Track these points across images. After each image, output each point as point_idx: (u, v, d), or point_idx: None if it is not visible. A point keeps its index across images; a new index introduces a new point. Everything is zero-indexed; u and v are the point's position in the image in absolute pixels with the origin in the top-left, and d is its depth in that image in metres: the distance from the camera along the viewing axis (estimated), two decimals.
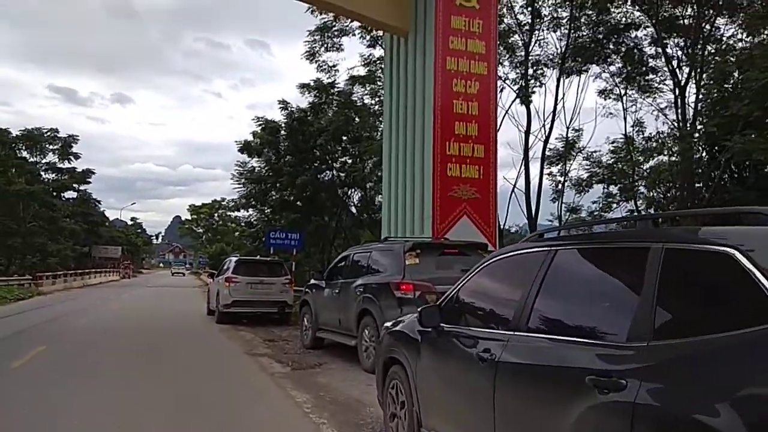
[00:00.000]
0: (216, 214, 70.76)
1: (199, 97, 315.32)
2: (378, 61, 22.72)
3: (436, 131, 12.43)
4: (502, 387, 3.19)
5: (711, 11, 18.52)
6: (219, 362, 9.76)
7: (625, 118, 20.78)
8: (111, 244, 59.34)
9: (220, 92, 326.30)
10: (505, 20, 20.41)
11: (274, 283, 15.42)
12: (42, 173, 42.45)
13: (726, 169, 17.66)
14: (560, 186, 22.42)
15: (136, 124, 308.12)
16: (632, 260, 2.78)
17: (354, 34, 22.96)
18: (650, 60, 20.41)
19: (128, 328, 14.28)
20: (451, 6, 12.70)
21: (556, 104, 21.57)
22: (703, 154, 18.63)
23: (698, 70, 18.72)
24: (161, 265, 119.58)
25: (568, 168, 22.35)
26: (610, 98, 21.26)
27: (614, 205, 21.52)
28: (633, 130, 20.82)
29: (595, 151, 21.46)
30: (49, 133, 41.63)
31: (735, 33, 18.54)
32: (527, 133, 21.69)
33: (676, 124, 19.39)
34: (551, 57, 21.50)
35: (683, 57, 19.50)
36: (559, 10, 20.87)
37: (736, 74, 16.92)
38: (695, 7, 18.65)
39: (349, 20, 21.12)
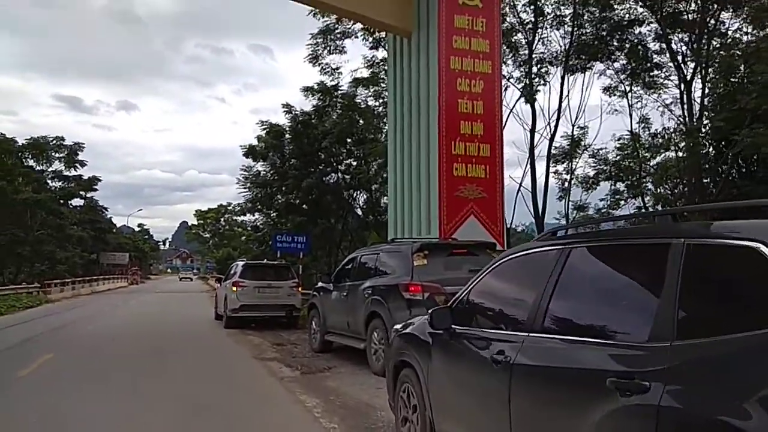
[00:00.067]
0: (222, 219, 71.07)
1: (202, 103, 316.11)
2: (381, 63, 22.71)
3: (441, 131, 12.36)
4: (517, 390, 3.11)
5: (715, 5, 18.40)
6: (227, 367, 9.71)
7: (630, 115, 20.66)
8: (119, 250, 59.59)
9: (224, 97, 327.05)
10: (508, 19, 20.34)
11: (282, 286, 15.33)
12: (49, 181, 42.59)
13: (734, 164, 17.52)
14: (567, 184, 22.31)
15: (141, 130, 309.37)
16: (651, 257, 2.70)
17: (357, 37, 23.01)
18: (655, 56, 20.31)
19: (136, 334, 14.25)
20: (454, 5, 12.64)
21: (560, 102, 21.47)
22: (710, 149, 18.50)
23: (704, 64, 18.61)
24: (169, 270, 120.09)
25: (574, 166, 22.24)
26: (615, 95, 21.18)
27: (622, 202, 21.42)
28: (639, 126, 20.70)
29: (601, 149, 21.36)
30: (54, 142, 41.79)
31: (740, 27, 18.47)
32: (532, 131, 21.60)
33: (682, 120, 19.25)
34: (555, 55, 21.41)
35: (688, 52, 19.39)
36: (562, 7, 20.78)
37: (742, 68, 16.81)
38: (699, 1, 18.53)
39: (352, 22, 21.11)
